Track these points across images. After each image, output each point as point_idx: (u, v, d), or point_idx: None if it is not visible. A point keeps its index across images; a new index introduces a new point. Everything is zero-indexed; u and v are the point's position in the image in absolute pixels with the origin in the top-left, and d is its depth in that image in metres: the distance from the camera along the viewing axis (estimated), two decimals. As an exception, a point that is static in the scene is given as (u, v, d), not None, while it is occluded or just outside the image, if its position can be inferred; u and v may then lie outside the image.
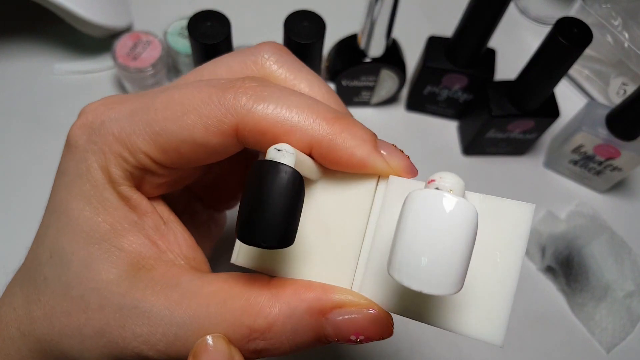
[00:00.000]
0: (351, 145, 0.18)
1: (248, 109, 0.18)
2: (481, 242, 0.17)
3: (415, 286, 0.15)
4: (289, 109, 0.18)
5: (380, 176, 0.19)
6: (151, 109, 0.18)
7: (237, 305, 0.17)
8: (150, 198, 0.20)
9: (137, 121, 0.18)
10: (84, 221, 0.19)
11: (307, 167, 0.18)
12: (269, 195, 0.16)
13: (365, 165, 0.18)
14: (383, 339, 0.18)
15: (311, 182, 0.20)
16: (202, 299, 0.18)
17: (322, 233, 0.19)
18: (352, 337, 0.18)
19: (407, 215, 0.15)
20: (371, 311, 0.18)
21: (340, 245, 0.19)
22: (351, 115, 0.20)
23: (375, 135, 0.19)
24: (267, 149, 0.17)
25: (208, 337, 0.17)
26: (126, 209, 0.19)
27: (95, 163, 0.19)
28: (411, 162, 0.19)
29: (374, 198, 0.19)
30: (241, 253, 0.20)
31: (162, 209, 0.21)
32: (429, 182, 0.16)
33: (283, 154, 0.16)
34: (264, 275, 0.19)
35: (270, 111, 0.18)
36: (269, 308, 0.17)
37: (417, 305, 0.18)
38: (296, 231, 0.17)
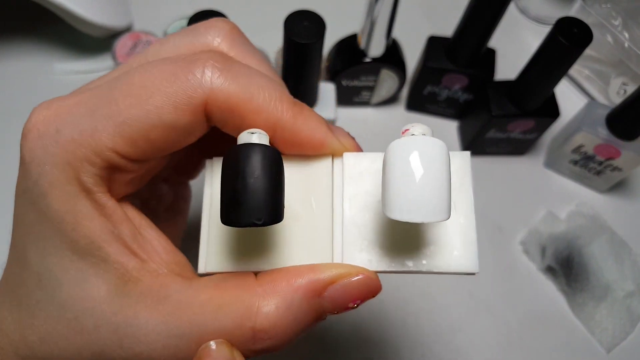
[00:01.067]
0: (311, 127, 0.19)
1: (218, 84, 0.17)
2: None
3: (416, 218, 0.16)
4: (257, 88, 0.18)
5: (334, 155, 0.21)
6: (111, 101, 0.17)
7: (234, 310, 0.17)
8: (118, 200, 0.20)
9: (97, 117, 0.17)
10: (63, 239, 0.18)
11: None
12: (255, 175, 0.16)
13: (324, 145, 0.20)
14: (375, 296, 0.19)
15: None
16: (197, 308, 0.17)
17: (292, 219, 0.20)
18: (350, 305, 0.19)
19: (393, 160, 0.17)
20: (362, 276, 0.18)
21: (311, 226, 0.20)
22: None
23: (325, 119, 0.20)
24: (232, 127, 0.18)
25: (211, 342, 0.17)
26: (101, 219, 0.18)
27: (60, 175, 0.17)
28: (356, 141, 0.21)
29: (332, 175, 0.20)
30: (210, 260, 0.20)
31: (133, 214, 0.20)
32: (403, 133, 0.18)
33: (259, 136, 0.17)
34: (247, 273, 0.19)
35: (241, 88, 0.18)
36: (267, 306, 0.17)
37: (397, 259, 0.19)
38: (284, 206, 0.17)
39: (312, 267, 0.18)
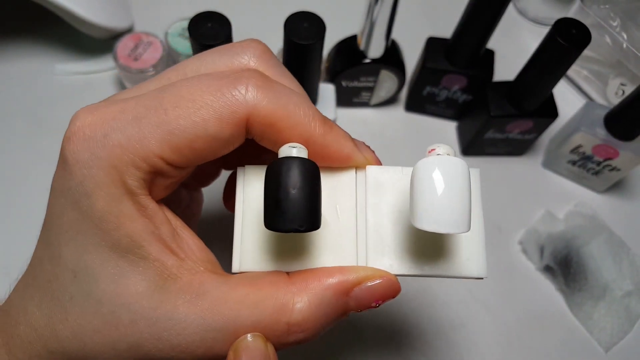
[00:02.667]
0: (340, 143, 0.21)
1: (260, 101, 0.19)
2: None
3: (440, 229, 0.18)
4: (294, 106, 0.20)
5: (357, 167, 0.22)
6: (159, 110, 0.18)
7: (269, 306, 0.19)
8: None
9: (145, 125, 0.18)
10: (103, 237, 0.18)
11: None
12: (298, 185, 0.18)
13: (351, 159, 0.21)
14: (395, 297, 0.21)
15: None
16: (234, 304, 0.19)
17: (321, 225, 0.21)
18: (373, 304, 0.21)
19: (421, 177, 0.19)
20: (384, 279, 0.20)
21: (338, 232, 0.22)
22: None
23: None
24: (269, 141, 0.20)
25: (248, 335, 0.19)
26: (143, 220, 0.19)
27: (106, 177, 0.18)
28: (376, 155, 0.23)
29: (356, 186, 0.22)
30: (243, 260, 0.21)
31: (170, 215, 0.21)
32: (429, 152, 0.19)
33: (299, 150, 0.19)
34: (279, 272, 0.21)
35: (280, 106, 0.19)
36: (300, 303, 0.19)
37: (415, 264, 0.21)
38: (321, 214, 0.19)
39: (341, 269, 0.20)
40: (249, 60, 0.21)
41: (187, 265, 0.20)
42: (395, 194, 0.22)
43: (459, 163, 0.19)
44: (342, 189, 0.22)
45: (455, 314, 0.39)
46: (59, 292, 0.19)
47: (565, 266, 0.40)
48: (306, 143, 0.20)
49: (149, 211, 0.19)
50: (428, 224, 0.18)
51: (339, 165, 0.22)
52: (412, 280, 0.39)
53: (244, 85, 0.19)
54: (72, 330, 0.19)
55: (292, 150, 0.19)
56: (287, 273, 0.21)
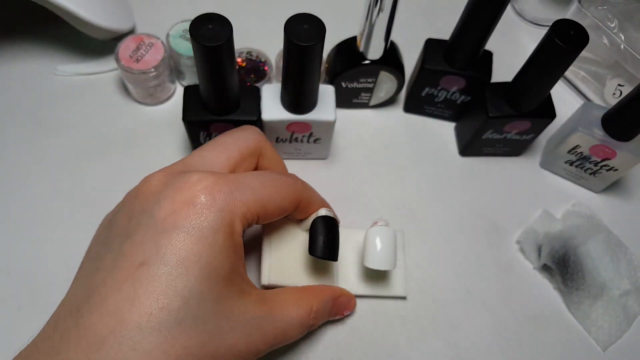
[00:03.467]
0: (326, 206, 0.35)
1: (304, 191, 0.32)
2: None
3: (380, 267, 0.33)
4: (314, 192, 0.34)
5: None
6: (262, 189, 0.28)
7: (304, 304, 0.31)
8: None
9: (251, 194, 0.27)
10: (217, 266, 0.25)
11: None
12: (333, 233, 0.32)
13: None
14: (351, 312, 0.37)
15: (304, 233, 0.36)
16: (285, 303, 0.30)
17: (312, 260, 0.35)
18: (346, 312, 0.37)
19: (370, 238, 0.34)
20: (350, 295, 0.36)
21: (324, 265, 0.36)
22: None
23: None
24: (301, 213, 0.33)
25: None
26: (238, 254, 0.27)
27: (229, 219, 0.26)
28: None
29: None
30: (272, 276, 0.35)
31: None
32: (374, 224, 0.34)
33: (329, 212, 0.33)
34: (294, 286, 0.33)
35: (310, 193, 0.33)
36: (317, 302, 0.32)
37: (365, 288, 0.37)
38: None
39: (332, 287, 0.35)
40: (259, 135, 0.33)
41: (252, 285, 0.29)
42: (353, 248, 0.38)
43: (390, 230, 0.34)
44: None
45: (454, 312, 0.39)
46: (171, 316, 0.23)
47: (563, 265, 0.40)
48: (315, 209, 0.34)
49: (240, 247, 0.27)
50: (373, 265, 0.33)
51: None
52: (412, 282, 0.40)
53: (300, 182, 0.32)
54: (178, 354, 0.23)
55: (327, 212, 0.33)
56: (301, 287, 0.34)
